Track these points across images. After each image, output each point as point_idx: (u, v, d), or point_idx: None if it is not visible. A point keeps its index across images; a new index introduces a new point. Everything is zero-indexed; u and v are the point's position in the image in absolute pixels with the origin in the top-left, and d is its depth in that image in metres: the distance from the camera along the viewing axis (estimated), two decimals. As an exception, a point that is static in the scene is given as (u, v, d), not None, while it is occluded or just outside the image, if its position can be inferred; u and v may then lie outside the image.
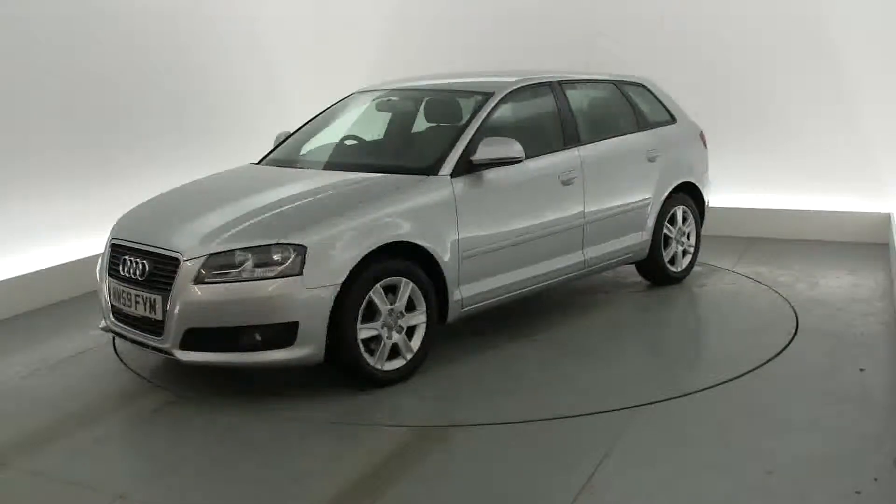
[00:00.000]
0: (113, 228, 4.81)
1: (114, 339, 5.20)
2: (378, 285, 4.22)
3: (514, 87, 5.31)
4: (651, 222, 5.82)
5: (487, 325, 5.32)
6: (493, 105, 5.06)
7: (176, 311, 4.07)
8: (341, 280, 4.08)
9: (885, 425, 3.85)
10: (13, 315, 5.86)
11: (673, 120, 6.26)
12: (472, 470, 3.55)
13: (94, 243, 5.88)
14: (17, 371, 4.86)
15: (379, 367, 4.29)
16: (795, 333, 5.08)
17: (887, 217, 7.20)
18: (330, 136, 5.71)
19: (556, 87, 5.50)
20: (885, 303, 5.61)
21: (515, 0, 8.29)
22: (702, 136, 6.43)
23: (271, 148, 5.79)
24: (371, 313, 4.24)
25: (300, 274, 4.01)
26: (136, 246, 4.43)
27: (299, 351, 4.06)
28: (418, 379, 4.52)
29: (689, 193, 6.18)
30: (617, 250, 5.62)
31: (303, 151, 5.59)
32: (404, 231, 4.36)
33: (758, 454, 3.59)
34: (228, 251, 4.09)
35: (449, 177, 4.65)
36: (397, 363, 4.38)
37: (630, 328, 5.42)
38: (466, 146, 4.77)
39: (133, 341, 4.43)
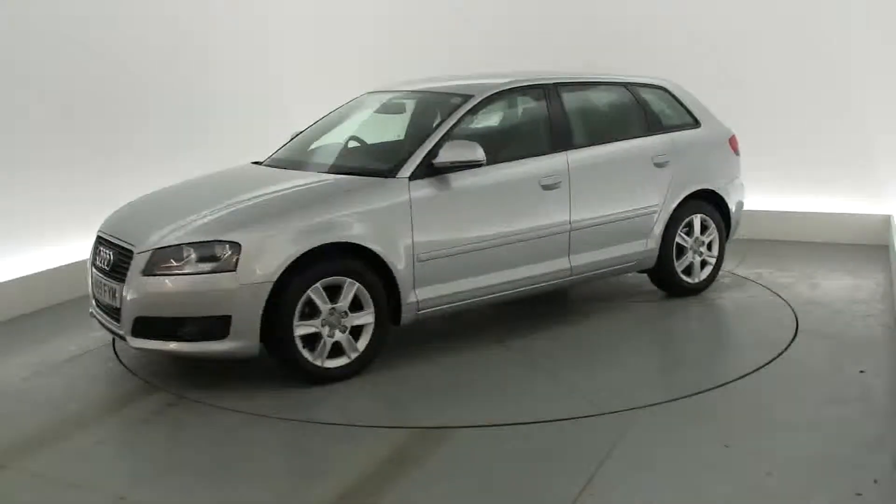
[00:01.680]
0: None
1: (113, 340, 5.22)
2: (318, 284, 4.32)
3: (497, 90, 5.22)
4: (659, 230, 5.62)
5: (485, 326, 5.32)
6: (468, 108, 5.02)
7: (128, 299, 4.31)
8: (275, 277, 4.21)
9: (886, 427, 3.85)
10: (14, 316, 5.86)
11: (696, 124, 6.01)
12: (471, 472, 3.55)
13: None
14: (17, 372, 4.86)
15: (319, 363, 4.39)
16: (795, 335, 5.09)
17: (887, 219, 7.21)
18: (329, 137, 5.72)
19: (551, 90, 5.36)
20: (885, 304, 5.61)
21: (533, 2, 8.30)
22: (732, 141, 6.15)
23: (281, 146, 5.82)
24: (313, 311, 4.33)
25: (234, 270, 4.18)
26: (108, 238, 4.72)
27: (233, 344, 4.22)
28: (416, 380, 4.54)
29: (712, 202, 5.91)
30: (614, 258, 5.46)
31: (298, 152, 5.59)
32: (348, 233, 4.42)
33: (758, 455, 3.59)
34: (175, 246, 4.30)
35: (407, 179, 4.66)
36: (340, 361, 4.45)
37: (631, 331, 5.40)
38: (430, 149, 4.77)
39: (105, 327, 4.66)
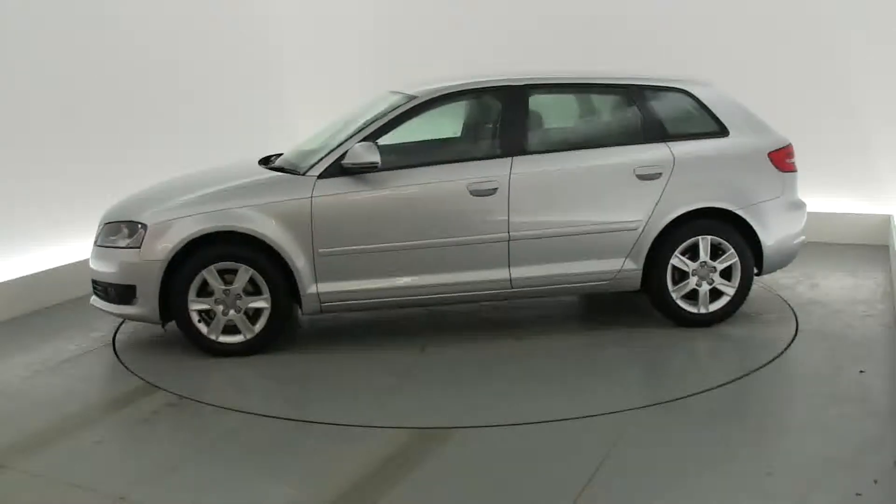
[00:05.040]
0: None
1: (114, 340, 5.26)
2: (213, 267, 4.78)
3: (443, 93, 5.11)
4: (643, 249, 5.07)
5: (484, 326, 5.32)
6: (401, 112, 5.01)
7: (90, 265, 5.12)
8: (169, 257, 4.76)
9: (886, 427, 3.85)
10: (14, 316, 5.87)
11: (723, 133, 5.25)
12: (471, 472, 3.55)
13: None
14: (17, 372, 4.86)
15: (213, 337, 4.87)
16: (796, 335, 5.09)
17: (887, 219, 7.21)
18: (337, 136, 5.66)
19: (515, 92, 5.10)
20: (885, 304, 5.61)
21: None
22: (777, 155, 5.26)
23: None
24: (213, 290, 4.83)
25: (139, 247, 4.81)
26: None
27: (139, 309, 4.88)
28: (414, 379, 4.54)
29: (734, 223, 5.15)
30: (574, 275, 5.05)
31: (294, 151, 5.55)
32: (242, 223, 4.77)
33: (758, 455, 3.59)
34: (114, 222, 5.04)
35: (315, 178, 4.88)
36: (235, 339, 4.89)
37: (633, 330, 5.39)
38: (347, 150, 4.86)
39: None
